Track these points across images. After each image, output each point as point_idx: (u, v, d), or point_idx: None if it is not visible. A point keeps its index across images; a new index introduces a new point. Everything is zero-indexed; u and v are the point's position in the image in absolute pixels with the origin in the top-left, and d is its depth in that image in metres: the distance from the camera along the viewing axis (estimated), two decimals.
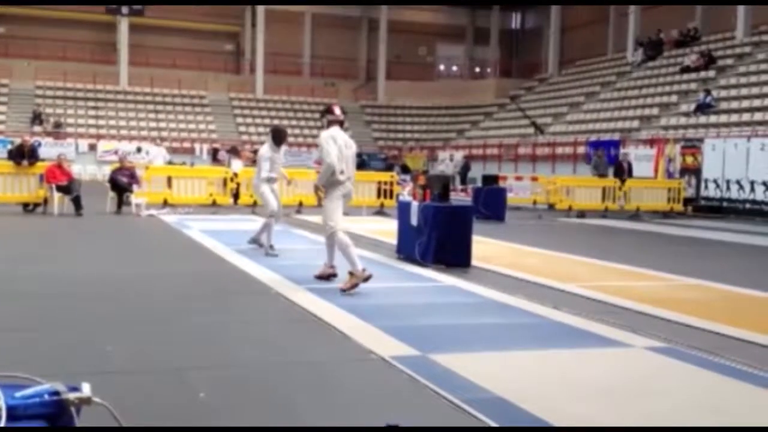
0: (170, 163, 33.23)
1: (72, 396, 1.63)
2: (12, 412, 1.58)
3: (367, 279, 7.47)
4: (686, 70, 32.84)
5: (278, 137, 10.80)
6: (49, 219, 15.79)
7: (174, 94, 44.38)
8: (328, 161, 7.74)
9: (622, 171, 22.76)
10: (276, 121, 44.03)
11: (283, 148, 11.01)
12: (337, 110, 8.22)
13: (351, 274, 7.49)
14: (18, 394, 1.62)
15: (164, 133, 41.29)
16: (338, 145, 7.82)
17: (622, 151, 25.42)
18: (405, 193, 18.01)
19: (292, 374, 4.83)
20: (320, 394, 4.48)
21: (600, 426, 3.94)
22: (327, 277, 8.20)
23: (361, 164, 33.18)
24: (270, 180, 10.77)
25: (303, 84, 47.17)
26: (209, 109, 44.47)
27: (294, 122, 44.68)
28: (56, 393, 1.63)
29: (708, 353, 5.52)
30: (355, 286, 7.40)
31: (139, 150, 29.58)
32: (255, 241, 11.01)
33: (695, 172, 23.63)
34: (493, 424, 3.87)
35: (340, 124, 8.10)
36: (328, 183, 7.82)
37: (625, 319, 6.66)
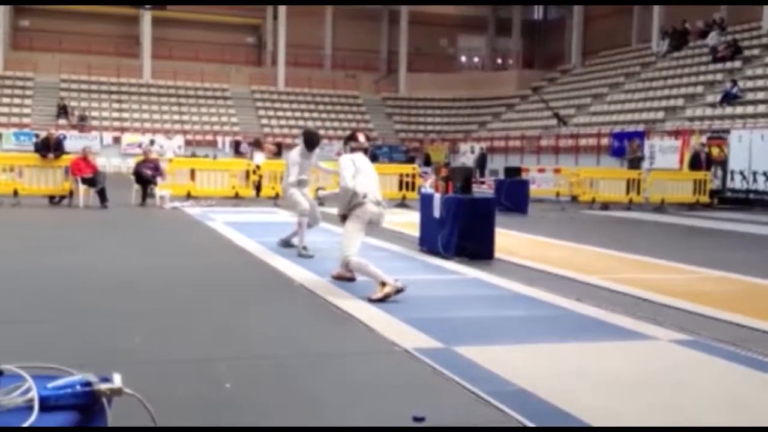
0: (193, 155, 33.44)
1: (104, 387, 1.65)
2: (44, 403, 1.60)
3: (400, 291, 6.86)
4: (714, 53, 32.27)
5: (311, 142, 10.14)
6: (74, 211, 15.95)
7: (196, 87, 44.59)
8: (342, 184, 7.34)
9: (700, 164, 22.01)
10: (297, 114, 44.17)
11: (316, 151, 10.32)
12: (362, 138, 7.91)
13: (383, 284, 6.92)
14: (50, 385, 1.65)
15: (187, 126, 41.54)
16: (358, 167, 7.40)
17: (699, 141, 24.00)
18: (427, 186, 18.01)
19: (316, 366, 4.85)
20: (344, 386, 4.50)
21: (626, 421, 3.93)
22: (346, 279, 7.78)
23: (373, 157, 33.16)
24: (300, 183, 10.13)
25: (324, 76, 47.19)
26: (231, 101, 44.63)
27: (315, 115, 44.75)
28: (88, 384, 1.65)
29: (734, 346, 5.48)
30: (387, 296, 6.81)
31: (152, 142, 29.70)
32: (286, 243, 10.40)
33: (721, 163, 23.36)
34: (517, 416, 3.86)
35: (364, 151, 7.80)
36: (352, 206, 7.34)
37: (649, 312, 6.61)
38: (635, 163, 22.43)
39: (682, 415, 4.03)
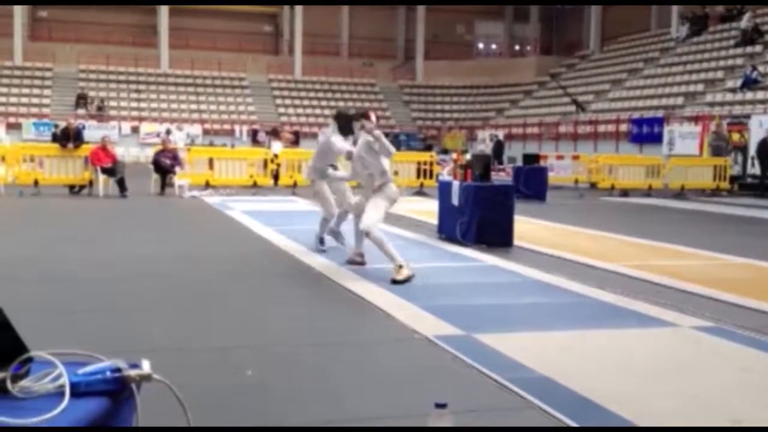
0: (211, 144, 33.55)
1: (133, 373, 1.67)
2: (75, 389, 1.62)
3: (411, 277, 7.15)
4: (746, 35, 31.54)
5: (346, 124, 8.68)
6: (94, 201, 16.07)
7: (214, 76, 44.68)
8: (392, 151, 7.57)
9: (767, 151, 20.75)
10: (314, 102, 44.16)
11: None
12: (374, 117, 7.90)
13: (400, 266, 7.12)
14: (80, 371, 1.67)
15: (204, 115, 41.66)
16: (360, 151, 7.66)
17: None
18: (445, 173, 17.98)
19: (337, 354, 4.87)
20: (365, 374, 4.52)
21: (648, 407, 3.91)
22: (357, 263, 7.96)
23: (397, 145, 33.05)
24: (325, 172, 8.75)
25: (341, 65, 47.11)
26: (249, 90, 44.70)
27: (332, 103, 44.61)
28: (118, 370, 1.67)
29: (756, 332, 5.44)
30: (408, 279, 7.02)
31: (168, 132, 29.81)
32: (334, 232, 9.22)
33: (742, 149, 23.11)
34: (539, 403, 3.86)
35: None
36: (381, 183, 7.59)
37: (670, 299, 6.58)
38: (719, 150, 21.93)
39: (704, 403, 4.01)
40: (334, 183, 8.92)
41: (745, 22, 32.21)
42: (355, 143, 8.18)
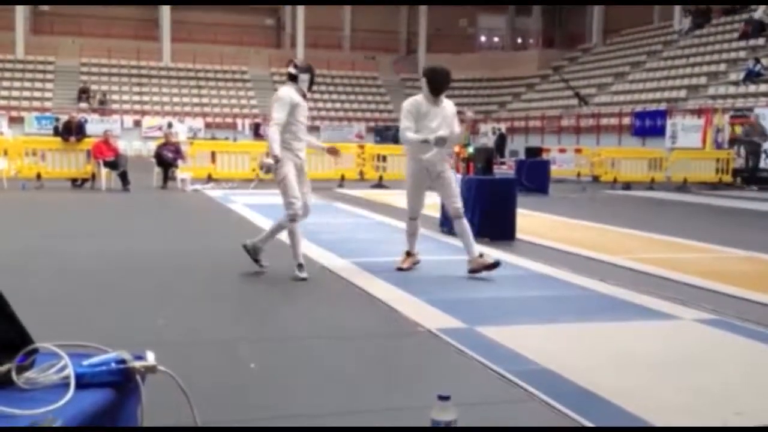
0: (213, 138, 33.53)
1: (138, 364, 1.67)
2: (80, 380, 1.62)
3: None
4: (753, 26, 31.19)
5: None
6: (96, 194, 16.08)
7: (216, 69, 44.62)
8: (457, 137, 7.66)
9: None
10: (317, 96, 43.97)
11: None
12: None
13: (409, 253, 7.63)
14: (86, 362, 1.67)
15: (206, 109, 41.61)
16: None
17: None
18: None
19: (340, 347, 4.88)
20: (369, 367, 4.52)
21: (651, 401, 3.92)
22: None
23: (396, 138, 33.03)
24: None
25: (343, 58, 47.03)
26: (251, 84, 44.65)
27: (335, 96, 44.67)
28: (123, 361, 1.67)
29: (759, 325, 5.44)
30: (410, 268, 7.48)
31: (170, 125, 29.76)
32: (254, 249, 7.34)
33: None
34: (542, 396, 3.86)
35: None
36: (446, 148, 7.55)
37: (673, 292, 6.58)
38: (755, 147, 21.66)
39: (707, 395, 4.01)
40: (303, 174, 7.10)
41: (760, 13, 31.90)
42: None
